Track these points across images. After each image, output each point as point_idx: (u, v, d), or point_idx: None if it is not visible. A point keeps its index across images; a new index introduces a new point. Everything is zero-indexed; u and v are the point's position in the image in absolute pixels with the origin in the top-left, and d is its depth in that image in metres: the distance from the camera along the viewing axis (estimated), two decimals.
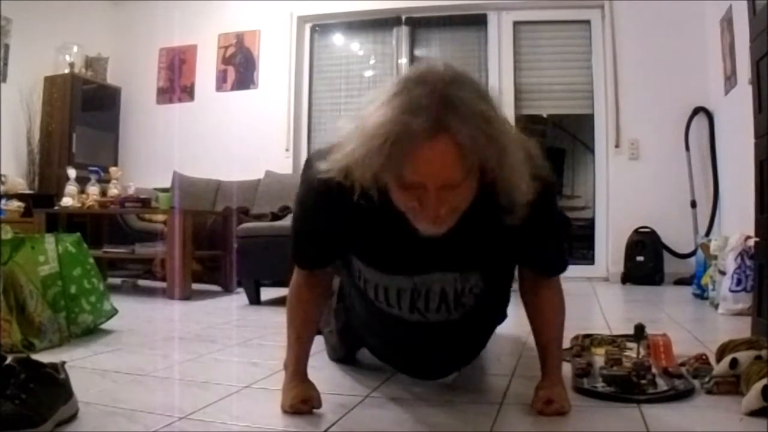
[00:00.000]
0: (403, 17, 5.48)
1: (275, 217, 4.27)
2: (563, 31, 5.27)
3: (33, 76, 5.20)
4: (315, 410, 1.35)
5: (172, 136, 5.48)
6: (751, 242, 2.75)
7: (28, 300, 2.05)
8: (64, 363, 1.35)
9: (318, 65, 5.72)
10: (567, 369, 1.63)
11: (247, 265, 3.48)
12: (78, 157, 5.18)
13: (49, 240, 2.27)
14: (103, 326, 2.42)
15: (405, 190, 1.11)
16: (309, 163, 1.30)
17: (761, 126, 2.32)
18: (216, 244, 4.13)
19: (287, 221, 3.88)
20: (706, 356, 1.67)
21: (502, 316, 1.64)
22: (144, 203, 4.04)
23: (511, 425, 1.31)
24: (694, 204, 4.61)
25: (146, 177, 5.26)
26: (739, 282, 2.94)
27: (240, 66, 5.72)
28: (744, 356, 1.48)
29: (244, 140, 5.44)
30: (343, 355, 1.82)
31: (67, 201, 4.13)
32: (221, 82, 5.76)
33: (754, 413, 1.28)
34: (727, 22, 4.06)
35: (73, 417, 1.28)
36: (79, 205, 4.12)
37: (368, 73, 5.67)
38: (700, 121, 4.67)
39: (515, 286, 1.52)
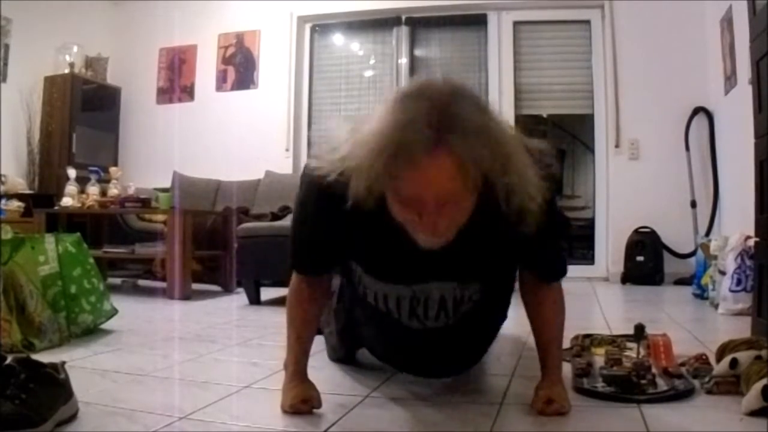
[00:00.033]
0: (403, 17, 5.48)
1: (275, 217, 4.27)
2: (563, 31, 5.27)
3: (33, 76, 5.20)
4: (315, 410, 1.35)
5: (172, 136, 5.48)
6: (751, 242, 2.75)
7: (28, 300, 2.05)
8: (64, 363, 1.35)
9: (318, 65, 5.72)
10: (567, 369, 1.63)
11: (247, 265, 3.48)
12: (78, 157, 5.18)
13: (49, 240, 2.27)
14: (103, 326, 2.42)
15: (404, 203, 1.11)
16: (308, 168, 1.29)
17: (761, 126, 2.32)
18: (216, 244, 4.13)
19: (287, 221, 3.88)
20: (706, 356, 1.67)
21: (503, 320, 1.64)
22: (144, 203, 4.04)
23: (511, 425, 1.30)
24: (694, 204, 4.61)
25: (146, 177, 5.26)
26: (739, 282, 2.94)
27: (240, 66, 5.72)
28: (744, 356, 1.48)
29: (244, 140, 5.44)
30: (343, 355, 1.82)
31: (67, 201, 4.13)
32: (221, 82, 5.76)
33: (754, 413, 1.28)
34: (727, 22, 4.06)
35: (73, 417, 1.28)
36: (79, 205, 4.12)
37: (368, 73, 5.67)
38: (700, 121, 4.67)
39: (515, 285, 1.52)
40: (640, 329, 1.73)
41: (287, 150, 5.50)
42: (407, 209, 1.11)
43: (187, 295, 3.61)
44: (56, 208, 4.19)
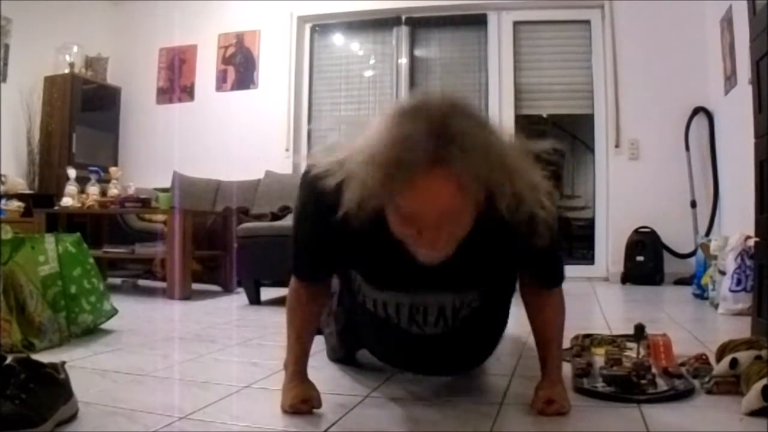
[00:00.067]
0: (403, 17, 5.48)
1: (275, 217, 4.27)
2: (563, 31, 5.27)
3: (33, 76, 5.21)
4: (315, 410, 1.35)
5: (172, 136, 5.48)
6: (751, 242, 2.75)
7: (28, 300, 2.05)
8: (64, 363, 1.35)
9: (318, 65, 5.72)
10: (567, 369, 1.63)
11: (247, 265, 3.48)
12: (78, 157, 5.18)
13: (49, 240, 2.27)
14: (103, 326, 2.42)
15: (402, 219, 1.10)
16: (306, 176, 1.29)
17: (761, 126, 2.32)
18: (216, 244, 4.13)
19: (287, 221, 3.89)
20: (706, 356, 1.67)
21: (504, 323, 1.63)
22: (144, 203, 4.04)
23: (511, 425, 1.30)
24: (694, 204, 4.61)
25: (146, 177, 5.26)
26: (739, 282, 2.94)
27: (240, 66, 5.72)
28: (744, 356, 1.48)
29: (244, 140, 5.44)
30: (343, 356, 1.82)
31: (67, 201, 4.13)
32: (221, 82, 5.76)
33: (754, 413, 1.28)
34: (727, 22, 4.06)
35: (73, 417, 1.28)
36: (79, 205, 4.12)
37: (368, 73, 5.67)
38: (700, 121, 4.67)
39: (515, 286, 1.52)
40: (640, 329, 1.73)
41: (287, 150, 5.50)
42: (406, 225, 1.10)
43: (187, 295, 3.61)
44: (56, 208, 4.19)
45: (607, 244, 4.93)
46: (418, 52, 5.55)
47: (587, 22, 5.14)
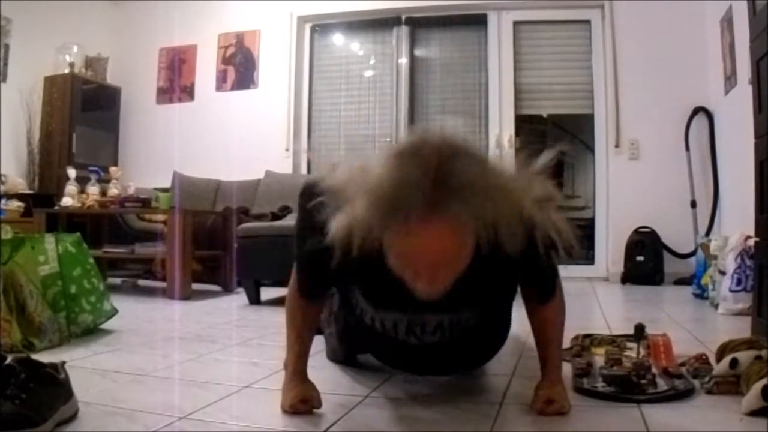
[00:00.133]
0: (403, 17, 5.48)
1: (275, 217, 4.27)
2: (563, 31, 5.27)
3: (33, 76, 5.21)
4: (315, 410, 1.35)
5: (172, 136, 5.48)
6: (751, 242, 2.75)
7: (28, 300, 2.05)
8: (64, 363, 1.35)
9: (318, 65, 5.72)
10: (567, 369, 1.63)
11: (247, 265, 3.48)
12: (78, 157, 5.18)
13: (49, 240, 2.27)
14: (103, 326, 2.42)
15: (400, 259, 1.09)
16: (306, 195, 1.28)
17: (761, 126, 2.32)
18: (216, 244, 4.13)
19: (287, 221, 3.89)
20: (706, 356, 1.67)
21: (506, 330, 1.63)
22: (144, 203, 4.04)
23: (511, 425, 1.30)
24: (694, 204, 4.61)
25: (146, 177, 5.26)
26: (739, 282, 2.94)
27: (240, 66, 5.72)
28: (744, 356, 1.48)
29: (244, 140, 5.44)
30: (343, 358, 1.82)
31: (67, 201, 4.13)
32: (221, 82, 5.76)
33: (754, 413, 1.28)
34: (727, 22, 4.06)
35: (73, 417, 1.28)
36: (79, 205, 4.12)
37: (368, 73, 5.67)
38: (700, 121, 4.67)
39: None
40: (640, 329, 1.74)
41: (287, 150, 5.50)
42: (403, 265, 1.10)
43: (187, 295, 3.61)
44: (56, 208, 4.19)
45: (607, 244, 4.93)
46: (418, 52, 5.55)
47: (587, 22, 5.14)
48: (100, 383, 1.61)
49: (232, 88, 5.72)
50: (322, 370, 1.72)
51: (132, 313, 2.86)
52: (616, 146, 4.91)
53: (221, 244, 4.09)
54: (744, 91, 3.35)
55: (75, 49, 5.45)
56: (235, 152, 5.36)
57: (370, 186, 1.04)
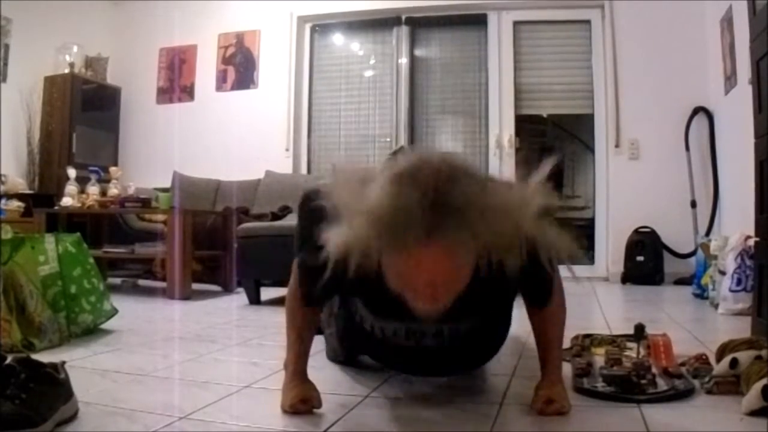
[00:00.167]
0: (403, 17, 5.48)
1: (275, 217, 4.27)
2: (563, 31, 5.27)
3: (33, 76, 5.21)
4: (315, 410, 1.35)
5: (172, 136, 5.48)
6: (751, 242, 2.75)
7: (28, 300, 2.05)
8: (64, 363, 1.35)
9: (318, 65, 5.72)
10: (567, 369, 1.63)
11: (247, 265, 3.48)
12: (78, 157, 5.18)
13: (49, 240, 2.27)
14: (103, 326, 2.42)
15: (399, 280, 1.09)
16: (305, 206, 1.28)
17: (761, 126, 2.32)
18: (216, 244, 4.13)
19: (287, 221, 3.89)
20: (706, 356, 1.67)
21: (506, 329, 1.63)
22: (144, 203, 4.04)
23: (511, 425, 1.31)
24: (694, 204, 4.61)
25: (146, 177, 5.26)
26: (739, 282, 2.94)
27: (240, 66, 5.72)
28: (744, 356, 1.48)
29: (244, 140, 5.44)
30: (344, 358, 1.82)
31: (67, 201, 4.13)
32: (221, 82, 5.76)
33: (754, 413, 1.28)
34: (727, 22, 4.06)
35: (73, 417, 1.28)
36: (79, 205, 4.12)
37: (368, 73, 5.67)
38: (700, 121, 4.67)
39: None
40: (640, 329, 1.74)
41: (287, 150, 5.50)
42: (403, 283, 1.09)
43: (187, 295, 3.61)
44: (56, 208, 4.19)
45: (607, 244, 4.93)
46: (418, 52, 5.55)
47: (587, 22, 5.14)
48: (100, 383, 1.61)
49: (232, 88, 5.73)
50: (322, 370, 1.72)
51: (132, 313, 2.86)
52: (616, 146, 4.91)
53: (221, 244, 4.09)
54: (744, 91, 3.35)
55: (75, 49, 5.45)
56: (235, 152, 5.37)
57: (368, 207, 1.03)
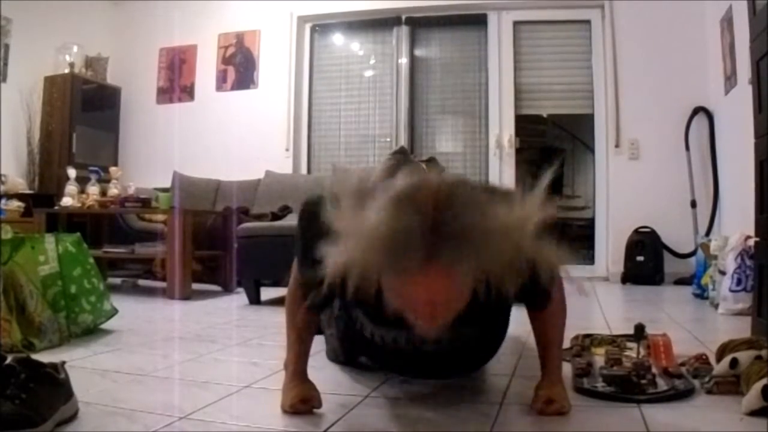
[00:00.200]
0: (403, 17, 5.48)
1: (275, 217, 4.27)
2: (563, 31, 5.27)
3: (33, 76, 5.21)
4: (315, 410, 1.35)
5: (172, 136, 5.48)
6: (751, 242, 2.75)
7: (28, 300, 2.05)
8: (64, 363, 1.35)
9: (318, 65, 5.72)
10: (567, 369, 1.63)
11: (247, 265, 3.48)
12: (78, 157, 5.18)
13: (49, 240, 2.27)
14: (103, 326, 2.42)
15: (399, 300, 1.09)
16: (306, 213, 1.28)
17: (761, 126, 2.32)
18: (216, 244, 4.13)
19: (287, 221, 3.89)
20: (706, 356, 1.67)
21: (504, 331, 1.63)
22: (144, 203, 4.04)
23: (511, 425, 1.31)
24: (694, 204, 4.61)
25: (146, 177, 5.26)
26: (739, 282, 2.94)
27: (240, 66, 5.72)
28: (744, 356, 1.48)
29: (244, 140, 5.44)
30: (344, 359, 1.82)
31: (67, 201, 4.13)
32: (221, 82, 5.76)
33: (754, 413, 1.28)
34: (727, 22, 4.06)
35: (73, 417, 1.28)
36: (79, 205, 4.12)
37: (368, 73, 5.68)
38: (700, 121, 4.67)
39: None
40: (640, 329, 1.74)
41: (287, 150, 5.51)
42: (402, 305, 1.09)
43: (187, 295, 3.61)
44: (56, 208, 4.19)
45: (607, 244, 4.93)
46: (418, 52, 5.55)
47: (587, 22, 5.14)
48: (100, 383, 1.61)
49: (232, 88, 5.73)
50: (322, 370, 1.72)
51: (132, 313, 2.86)
52: (616, 146, 4.91)
53: (221, 244, 4.09)
54: (744, 91, 3.35)
55: (75, 49, 5.45)
56: (235, 152, 5.37)
57: (367, 230, 1.02)
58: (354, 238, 1.03)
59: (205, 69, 5.78)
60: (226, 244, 4.02)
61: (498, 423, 1.30)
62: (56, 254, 2.25)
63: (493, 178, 5.19)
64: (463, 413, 1.37)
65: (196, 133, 5.57)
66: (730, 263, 3.03)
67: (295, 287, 1.43)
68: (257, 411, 1.38)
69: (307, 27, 5.71)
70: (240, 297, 3.63)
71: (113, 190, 4.26)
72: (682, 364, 1.67)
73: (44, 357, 1.41)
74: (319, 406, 1.35)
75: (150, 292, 4.04)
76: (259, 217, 4.27)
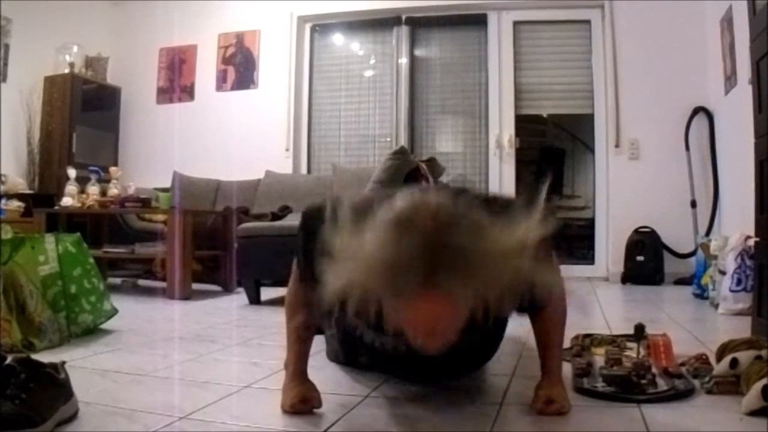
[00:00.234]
0: (403, 17, 5.48)
1: (275, 217, 4.27)
2: (563, 31, 5.27)
3: (33, 76, 5.21)
4: (315, 410, 1.35)
5: (172, 136, 5.48)
6: (751, 242, 2.75)
7: (28, 300, 2.05)
8: (64, 363, 1.35)
9: (318, 65, 5.72)
10: (567, 369, 1.63)
11: (247, 265, 3.48)
12: (78, 157, 5.18)
13: (49, 240, 2.27)
14: (103, 326, 2.42)
15: (398, 320, 1.09)
16: (305, 230, 1.28)
17: (761, 126, 2.32)
18: (216, 244, 4.13)
19: (287, 221, 3.89)
20: (706, 356, 1.68)
21: (502, 333, 1.63)
22: (144, 203, 4.04)
23: (511, 425, 1.31)
24: (694, 204, 4.61)
25: (146, 177, 5.26)
26: (739, 282, 2.94)
27: (240, 66, 5.72)
28: (744, 356, 1.48)
29: (244, 140, 5.44)
30: (344, 359, 1.82)
31: (67, 201, 4.13)
32: (221, 82, 5.76)
33: (754, 413, 1.28)
34: (727, 22, 4.06)
35: (73, 417, 1.28)
36: (79, 205, 4.12)
37: (368, 73, 5.68)
38: (700, 121, 4.67)
39: None
40: (640, 329, 1.74)
41: (287, 150, 5.51)
42: (401, 324, 1.09)
43: (187, 295, 3.61)
44: (56, 208, 4.19)
45: (607, 244, 4.93)
46: (418, 52, 5.55)
47: (587, 22, 5.14)
48: (100, 383, 1.61)
49: (232, 88, 5.73)
50: (322, 370, 1.72)
51: (132, 313, 2.86)
52: (616, 146, 4.91)
53: (221, 244, 4.09)
54: (744, 91, 3.35)
55: (75, 49, 5.45)
56: (235, 152, 5.37)
57: (366, 253, 1.02)
58: (353, 261, 1.03)
59: (205, 69, 5.78)
60: (226, 244, 4.02)
61: (498, 423, 1.30)
62: (56, 254, 2.25)
63: (493, 178, 5.19)
64: (463, 413, 1.37)
65: (196, 133, 5.57)
66: (730, 263, 3.03)
67: (295, 287, 1.43)
68: (257, 411, 1.38)
69: (307, 27, 5.71)
70: (240, 297, 3.63)
71: (113, 190, 4.26)
72: (682, 364, 1.67)
73: (44, 357, 1.41)
74: (319, 406, 1.35)
75: (150, 292, 4.04)
76: (259, 217, 4.27)
